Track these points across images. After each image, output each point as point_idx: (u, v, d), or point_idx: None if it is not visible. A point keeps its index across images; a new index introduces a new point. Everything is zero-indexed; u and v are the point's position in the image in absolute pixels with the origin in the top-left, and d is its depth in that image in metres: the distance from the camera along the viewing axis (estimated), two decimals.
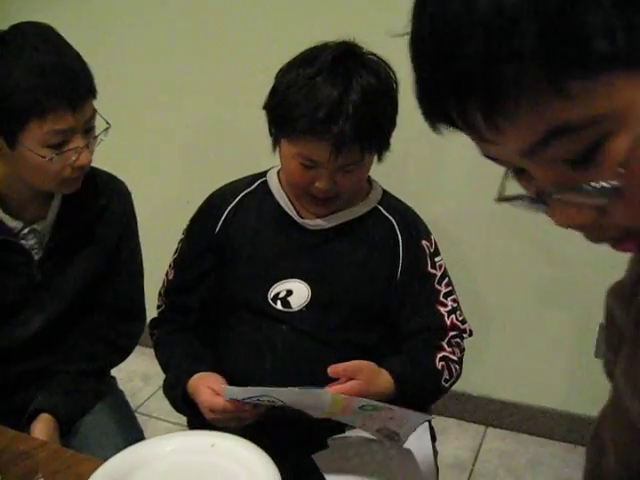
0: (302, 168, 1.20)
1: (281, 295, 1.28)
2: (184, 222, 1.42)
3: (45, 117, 1.15)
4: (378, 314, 1.31)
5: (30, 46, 1.15)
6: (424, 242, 1.32)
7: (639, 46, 0.40)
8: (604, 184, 0.44)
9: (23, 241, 1.31)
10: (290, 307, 1.28)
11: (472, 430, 2.29)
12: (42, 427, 1.29)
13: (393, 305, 1.30)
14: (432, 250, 1.32)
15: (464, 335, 1.32)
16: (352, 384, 1.11)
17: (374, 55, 1.22)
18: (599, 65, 0.40)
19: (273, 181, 1.34)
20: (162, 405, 2.19)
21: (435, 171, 2.12)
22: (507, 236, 2.11)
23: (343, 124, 1.13)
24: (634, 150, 0.42)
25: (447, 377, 1.27)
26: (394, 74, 1.22)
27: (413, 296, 1.30)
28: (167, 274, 1.41)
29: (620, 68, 0.41)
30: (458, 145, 2.17)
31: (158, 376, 2.32)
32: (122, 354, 1.49)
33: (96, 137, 1.25)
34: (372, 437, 1.19)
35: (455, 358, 1.29)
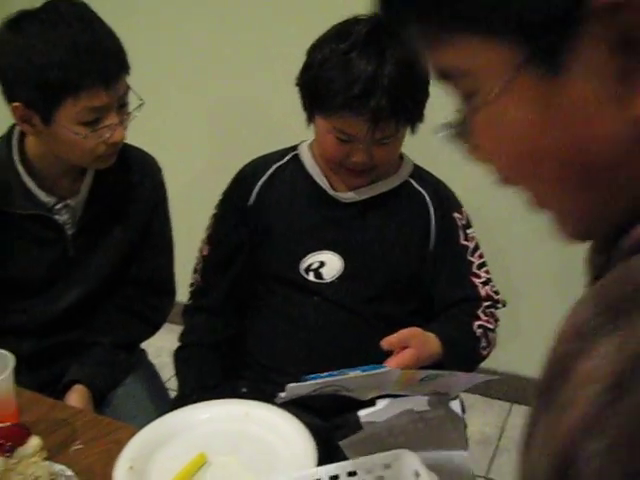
0: (338, 142, 1.21)
1: (313, 266, 1.29)
2: (212, 198, 1.43)
3: (79, 95, 1.16)
4: (410, 286, 1.31)
5: (64, 23, 1.16)
6: (456, 214, 1.32)
7: (494, 14, 0.42)
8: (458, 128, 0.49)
9: (57, 216, 1.33)
10: (322, 278, 1.29)
11: (497, 407, 2.30)
12: (76, 397, 1.32)
13: (426, 277, 1.31)
14: (464, 222, 1.33)
15: (498, 305, 1.33)
16: (407, 353, 1.10)
17: None
18: (457, 25, 0.44)
19: (305, 154, 1.35)
20: None
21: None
22: (534, 216, 2.09)
23: (379, 98, 1.13)
24: (478, 110, 0.46)
25: (485, 345, 1.27)
26: None
27: (447, 268, 1.31)
28: (201, 250, 1.41)
29: (478, 32, 0.43)
30: None
31: None
32: (153, 328, 1.51)
33: (129, 113, 1.26)
34: (401, 409, 1.19)
35: (491, 327, 1.29)
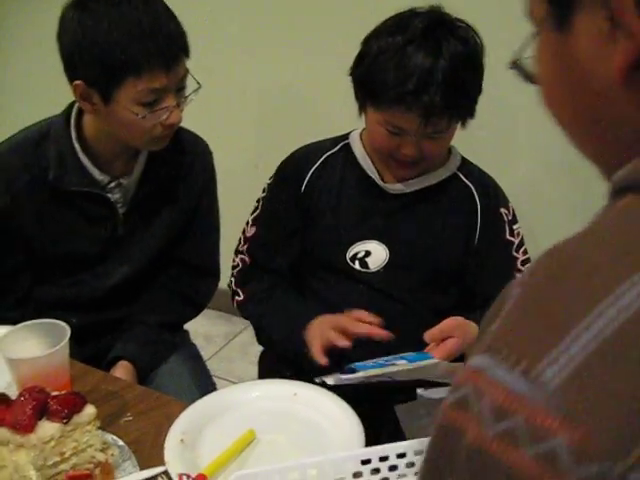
0: (388, 134, 1.22)
1: (359, 255, 1.31)
2: (259, 184, 1.45)
3: (141, 76, 1.18)
4: (454, 278, 1.33)
5: (129, 4, 1.18)
6: (502, 209, 1.33)
7: None
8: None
9: (109, 194, 1.35)
10: (368, 268, 1.31)
11: None
12: (122, 372, 1.34)
13: (470, 271, 1.32)
14: (510, 218, 1.34)
15: None
16: (450, 343, 1.13)
17: (463, 22, 1.22)
18: None
19: (356, 144, 1.36)
20: (222, 365, 2.26)
21: (509, 143, 2.10)
22: (578, 214, 2.08)
23: (433, 94, 1.13)
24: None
25: None
26: (481, 40, 1.22)
27: (491, 263, 1.32)
28: (244, 232, 1.42)
29: None
30: (531, 118, 2.12)
31: (219, 337, 2.40)
32: (197, 309, 1.53)
33: (187, 97, 1.28)
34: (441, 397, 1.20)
35: None
